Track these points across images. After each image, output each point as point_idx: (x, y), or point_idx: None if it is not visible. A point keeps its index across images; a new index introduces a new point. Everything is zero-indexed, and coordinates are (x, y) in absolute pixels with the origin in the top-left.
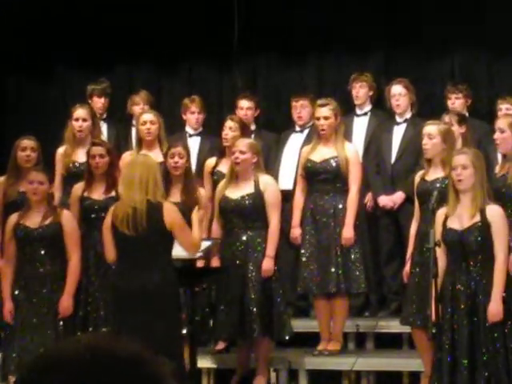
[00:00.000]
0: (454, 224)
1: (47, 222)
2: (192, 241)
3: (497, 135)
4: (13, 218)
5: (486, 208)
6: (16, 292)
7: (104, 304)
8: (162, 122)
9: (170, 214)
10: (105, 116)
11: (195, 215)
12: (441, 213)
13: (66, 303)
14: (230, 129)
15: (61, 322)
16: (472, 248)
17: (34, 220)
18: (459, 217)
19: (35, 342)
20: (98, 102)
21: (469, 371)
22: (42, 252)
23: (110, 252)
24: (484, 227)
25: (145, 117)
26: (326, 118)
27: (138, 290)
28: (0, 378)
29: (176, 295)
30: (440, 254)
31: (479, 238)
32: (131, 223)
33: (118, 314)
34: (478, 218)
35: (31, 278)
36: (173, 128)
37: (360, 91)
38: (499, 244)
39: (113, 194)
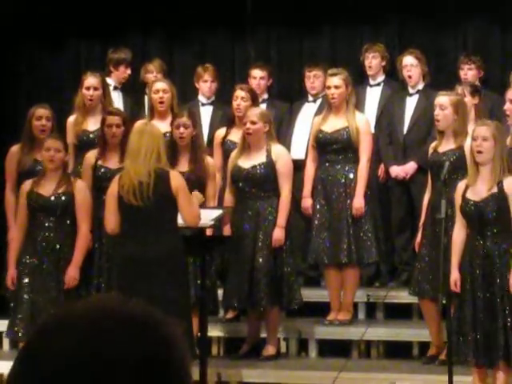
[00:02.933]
0: (472, 195)
1: (60, 190)
2: (194, 211)
3: (507, 106)
4: (26, 186)
5: (504, 180)
6: (23, 259)
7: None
8: (175, 91)
9: (176, 181)
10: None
11: (194, 194)
12: (461, 184)
13: (71, 274)
14: (241, 99)
15: (64, 296)
16: (488, 219)
17: (47, 188)
18: (478, 188)
19: (41, 310)
20: (126, 72)
21: (488, 337)
22: (53, 220)
23: (112, 221)
24: (501, 199)
25: (157, 85)
26: (336, 88)
27: (144, 259)
28: (9, 344)
29: (183, 263)
30: (459, 226)
31: (495, 209)
32: (138, 194)
33: (124, 283)
34: (495, 190)
35: (40, 246)
36: (185, 97)
37: (373, 61)
38: None
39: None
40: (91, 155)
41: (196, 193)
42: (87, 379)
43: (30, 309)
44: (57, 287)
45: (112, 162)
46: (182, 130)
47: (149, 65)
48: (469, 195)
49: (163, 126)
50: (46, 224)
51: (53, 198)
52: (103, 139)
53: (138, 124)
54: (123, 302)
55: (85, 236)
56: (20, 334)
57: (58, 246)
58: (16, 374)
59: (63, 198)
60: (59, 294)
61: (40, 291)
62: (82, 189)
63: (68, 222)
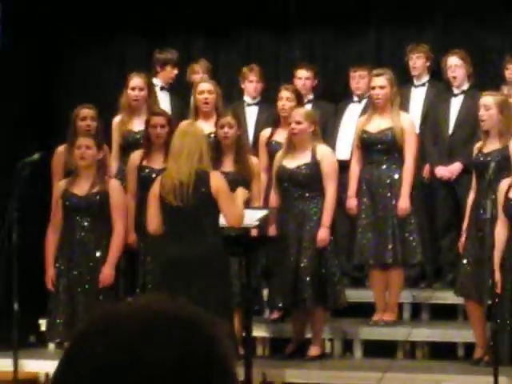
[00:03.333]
0: None
1: (95, 190)
2: (235, 212)
3: None
4: (61, 185)
5: None
6: (59, 260)
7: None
8: (220, 92)
9: (216, 181)
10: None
11: (239, 192)
12: (504, 183)
13: (106, 272)
14: (287, 99)
15: (100, 296)
16: None
17: (81, 187)
18: None
19: (79, 310)
20: (172, 72)
21: None
22: (88, 220)
23: (153, 221)
24: None
25: (202, 86)
26: (381, 88)
27: (186, 259)
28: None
29: (224, 264)
30: (501, 225)
31: None
32: (178, 194)
33: (166, 283)
34: None
35: (76, 246)
36: (231, 97)
37: (417, 62)
38: None
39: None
40: (136, 155)
41: (241, 189)
42: (121, 381)
43: (67, 310)
44: (93, 287)
45: (157, 163)
46: (226, 129)
47: (195, 65)
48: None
49: (208, 126)
50: (81, 224)
51: (87, 197)
52: (148, 139)
53: (182, 124)
54: (168, 302)
55: (120, 235)
56: (58, 338)
57: (93, 246)
58: (59, 376)
59: (98, 197)
60: (96, 293)
61: (77, 292)
62: (116, 188)
63: (102, 221)
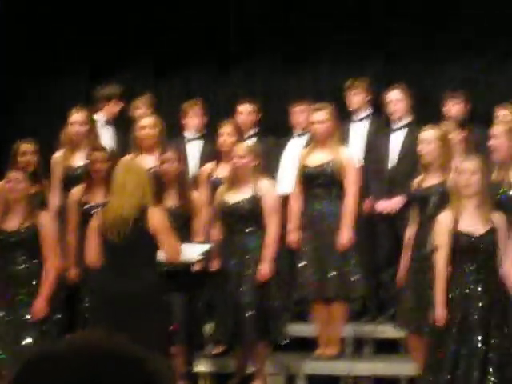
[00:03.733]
0: (467, 228)
1: (25, 224)
2: (174, 247)
3: (491, 142)
4: None
5: (492, 215)
6: None
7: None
8: (163, 126)
9: (155, 217)
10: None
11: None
12: (444, 217)
13: (39, 306)
14: (227, 134)
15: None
16: (487, 252)
17: (12, 222)
18: (471, 222)
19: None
20: (116, 107)
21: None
22: (20, 255)
23: (92, 255)
24: (493, 233)
25: (144, 122)
26: (320, 122)
27: (122, 294)
28: None
29: (161, 301)
30: (442, 257)
31: (492, 243)
32: (118, 230)
33: (103, 319)
34: (490, 224)
35: (13, 280)
36: (171, 133)
37: (353, 99)
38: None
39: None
40: (76, 191)
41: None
42: None
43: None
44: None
45: (97, 197)
46: (166, 165)
47: (137, 101)
48: (463, 228)
49: (150, 160)
50: (14, 259)
51: (17, 232)
52: (88, 175)
53: (125, 160)
54: (107, 338)
55: (52, 268)
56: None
57: (25, 280)
58: None
59: (28, 231)
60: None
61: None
62: (46, 221)
63: (33, 254)
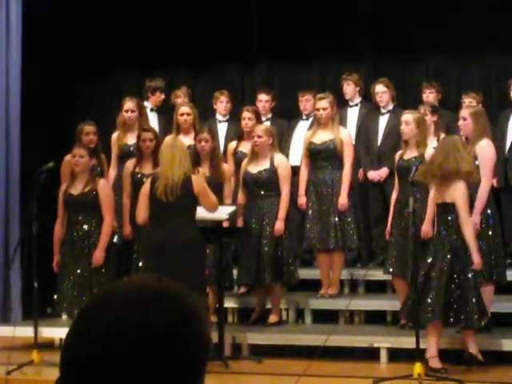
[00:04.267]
0: None
1: (86, 189)
2: (213, 203)
3: (460, 122)
4: (62, 187)
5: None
6: (63, 248)
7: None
8: (197, 113)
9: (198, 183)
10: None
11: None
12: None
13: (97, 255)
14: (248, 119)
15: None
16: None
17: (76, 188)
18: None
19: (75, 287)
20: (160, 97)
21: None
22: (82, 214)
23: (142, 213)
24: None
25: (182, 109)
26: (324, 109)
27: (167, 244)
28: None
29: (200, 249)
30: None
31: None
32: (169, 192)
33: (153, 265)
34: None
35: (77, 234)
36: (206, 116)
37: (347, 88)
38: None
39: (159, 169)
40: (130, 164)
41: (200, 170)
42: (125, 346)
43: (71, 288)
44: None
45: (146, 169)
46: (203, 143)
47: (177, 91)
48: None
49: (187, 140)
50: (77, 217)
51: (81, 195)
52: (139, 151)
53: (169, 138)
54: (156, 280)
55: (108, 225)
56: (62, 307)
57: (87, 234)
58: (70, 341)
59: (89, 195)
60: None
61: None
62: (103, 187)
63: (95, 214)
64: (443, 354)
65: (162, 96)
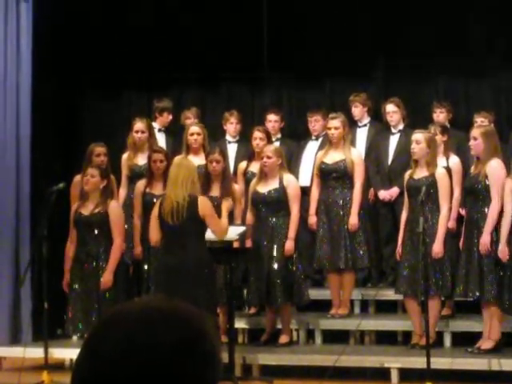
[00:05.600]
0: None
1: (97, 210)
2: (220, 227)
3: (471, 142)
4: (74, 207)
5: None
6: (73, 268)
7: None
8: (206, 133)
9: (203, 205)
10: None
11: (224, 205)
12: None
13: (106, 278)
14: (260, 139)
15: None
16: None
17: (87, 208)
18: None
19: (84, 308)
20: (168, 118)
21: None
22: (92, 234)
23: (154, 235)
24: None
25: (192, 129)
26: (336, 128)
27: (178, 266)
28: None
29: (210, 270)
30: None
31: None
32: (175, 214)
33: (164, 286)
34: None
35: (85, 255)
36: (215, 137)
37: (355, 110)
38: None
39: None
40: (140, 184)
41: (224, 201)
42: (133, 364)
43: (81, 308)
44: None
45: (157, 190)
46: (214, 164)
47: (187, 112)
48: None
49: (197, 160)
50: (87, 237)
51: (91, 216)
52: (150, 171)
53: (177, 158)
54: (167, 301)
55: (118, 247)
56: (75, 332)
57: (96, 256)
58: (80, 360)
59: (99, 216)
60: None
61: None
62: (114, 208)
63: (105, 235)
64: None
65: (170, 117)
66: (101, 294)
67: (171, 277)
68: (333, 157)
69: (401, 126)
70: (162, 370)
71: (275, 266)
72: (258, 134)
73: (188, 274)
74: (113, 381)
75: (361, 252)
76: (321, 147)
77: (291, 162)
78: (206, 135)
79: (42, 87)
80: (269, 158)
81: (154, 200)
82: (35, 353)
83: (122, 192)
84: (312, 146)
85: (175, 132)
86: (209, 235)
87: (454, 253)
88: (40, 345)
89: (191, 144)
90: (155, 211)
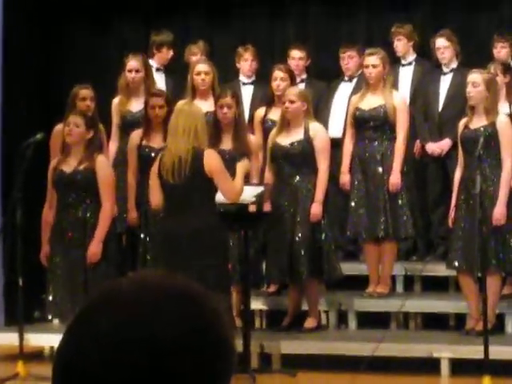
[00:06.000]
0: None
1: (81, 167)
2: (231, 188)
3: None
4: (52, 163)
5: None
6: (53, 237)
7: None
8: (216, 72)
9: (210, 160)
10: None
11: (240, 165)
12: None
13: (93, 250)
14: (281, 79)
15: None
16: None
17: (69, 164)
18: None
19: (68, 285)
20: (168, 54)
21: None
22: (75, 196)
23: (155, 197)
24: None
25: (199, 67)
26: (374, 66)
27: (182, 234)
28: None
29: (219, 237)
30: None
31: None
32: (176, 171)
33: (165, 257)
34: None
35: (67, 221)
36: (226, 77)
37: (398, 44)
38: None
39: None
40: (136, 135)
41: (241, 162)
42: (130, 356)
43: (63, 286)
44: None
45: (156, 142)
46: (225, 110)
47: (193, 46)
48: None
49: (205, 105)
50: (69, 200)
51: (74, 173)
52: (147, 120)
53: (179, 103)
54: (168, 277)
55: (107, 212)
56: (49, 311)
57: (81, 223)
58: (63, 354)
59: (83, 173)
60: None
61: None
62: (103, 165)
63: (91, 197)
64: None
65: (171, 52)
66: (88, 269)
67: (173, 247)
68: (370, 102)
69: (454, 65)
70: (166, 367)
71: (299, 233)
72: (278, 74)
73: (194, 244)
74: (104, 380)
75: (404, 218)
76: (355, 90)
77: (319, 108)
78: (216, 75)
79: (12, 16)
80: (292, 102)
81: (152, 154)
82: (8, 339)
83: (112, 145)
84: (345, 89)
85: (177, 71)
86: (219, 197)
87: None
88: (14, 330)
89: (198, 85)
90: (155, 168)
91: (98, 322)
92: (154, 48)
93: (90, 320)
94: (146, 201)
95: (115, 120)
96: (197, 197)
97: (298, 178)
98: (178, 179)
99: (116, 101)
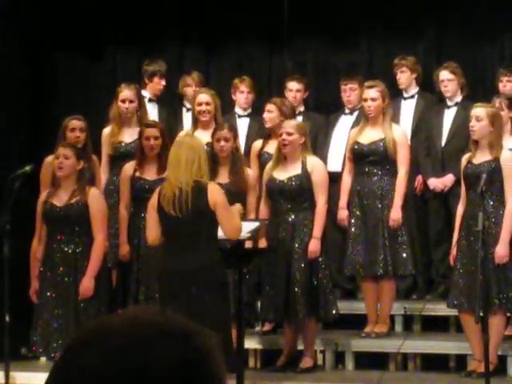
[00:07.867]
0: None
1: (73, 200)
2: (234, 225)
3: None
4: (42, 196)
5: None
6: (43, 272)
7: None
8: (219, 103)
9: (214, 193)
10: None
11: (233, 208)
12: None
13: (85, 285)
14: (268, 111)
15: (82, 307)
16: None
17: (61, 198)
18: None
19: (58, 322)
20: (160, 84)
21: None
22: (67, 231)
23: (152, 232)
24: None
25: (201, 97)
26: (373, 100)
27: (183, 271)
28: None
29: (221, 275)
30: None
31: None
32: (177, 204)
33: (164, 294)
34: None
35: (58, 257)
36: (222, 109)
37: (401, 76)
38: None
39: (165, 174)
40: (129, 167)
41: (237, 206)
42: None
43: (43, 322)
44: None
45: (150, 174)
46: (222, 143)
47: (187, 77)
48: None
49: (206, 136)
50: (60, 235)
51: (65, 208)
52: (141, 151)
53: (179, 136)
54: (158, 313)
55: (100, 246)
56: (36, 345)
57: (72, 256)
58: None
59: (76, 207)
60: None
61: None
62: (96, 197)
63: (84, 231)
64: None
65: (162, 82)
66: (79, 305)
67: (173, 284)
68: (369, 136)
69: (458, 99)
70: None
71: (296, 271)
72: (267, 106)
73: (195, 282)
74: None
75: (404, 255)
76: (356, 123)
77: (318, 142)
78: (219, 105)
79: (0, 44)
80: (289, 134)
81: (146, 187)
82: None
83: (103, 176)
84: (345, 122)
85: (171, 102)
86: (219, 233)
87: None
88: (0, 367)
89: (199, 116)
90: (154, 201)
91: (87, 354)
92: (146, 78)
93: (78, 352)
94: (139, 234)
95: (105, 150)
96: (201, 232)
97: (294, 213)
98: (180, 212)
99: (106, 131)
